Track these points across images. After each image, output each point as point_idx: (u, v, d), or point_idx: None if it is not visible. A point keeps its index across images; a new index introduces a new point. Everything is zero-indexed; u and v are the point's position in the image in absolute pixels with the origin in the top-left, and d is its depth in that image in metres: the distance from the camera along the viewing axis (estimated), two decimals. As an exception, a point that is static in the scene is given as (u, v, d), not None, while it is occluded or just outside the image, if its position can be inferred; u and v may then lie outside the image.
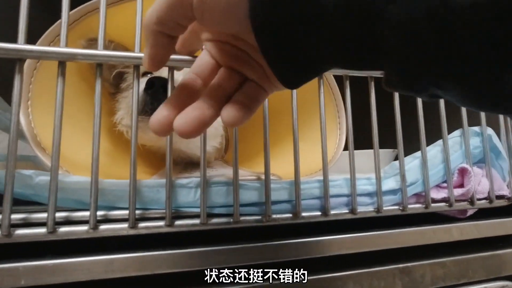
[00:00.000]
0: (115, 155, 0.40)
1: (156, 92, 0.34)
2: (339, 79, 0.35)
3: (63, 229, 0.25)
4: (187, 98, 0.21)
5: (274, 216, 0.29)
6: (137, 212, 0.27)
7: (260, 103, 0.22)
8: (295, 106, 0.31)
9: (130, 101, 0.36)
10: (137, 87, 0.27)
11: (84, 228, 0.25)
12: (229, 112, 0.19)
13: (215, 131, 0.43)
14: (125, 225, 0.26)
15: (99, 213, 0.27)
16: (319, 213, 0.31)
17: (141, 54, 0.27)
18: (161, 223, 0.27)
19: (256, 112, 0.22)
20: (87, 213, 0.25)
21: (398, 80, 0.17)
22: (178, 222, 0.27)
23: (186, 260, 0.27)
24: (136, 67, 0.27)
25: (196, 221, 0.28)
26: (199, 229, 0.28)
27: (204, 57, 0.23)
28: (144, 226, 0.27)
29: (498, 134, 0.39)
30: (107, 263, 0.26)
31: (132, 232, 0.26)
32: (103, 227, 0.26)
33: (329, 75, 0.40)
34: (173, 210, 0.28)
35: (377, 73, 0.33)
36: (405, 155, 0.36)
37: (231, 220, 0.28)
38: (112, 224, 0.26)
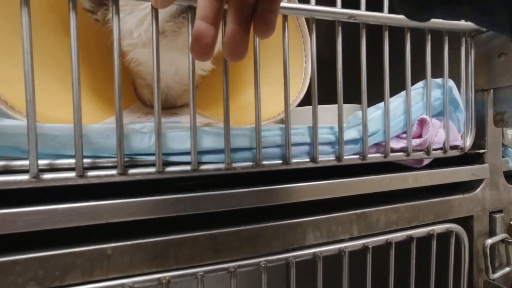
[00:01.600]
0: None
1: None
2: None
3: (1, 178, 0.23)
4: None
5: (234, 164, 0.29)
6: (87, 160, 0.26)
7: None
8: (257, 47, 0.29)
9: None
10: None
11: (24, 177, 0.23)
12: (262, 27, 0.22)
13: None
14: (72, 174, 0.24)
15: (44, 162, 0.25)
16: (280, 161, 0.30)
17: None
18: (114, 171, 0.25)
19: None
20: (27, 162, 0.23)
21: None
22: (132, 171, 0.26)
23: (142, 209, 0.26)
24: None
25: (152, 169, 0.26)
26: (154, 177, 0.27)
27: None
28: (95, 175, 0.25)
29: (459, 87, 0.39)
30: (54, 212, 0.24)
31: (81, 181, 0.25)
32: (47, 176, 0.24)
33: (301, 17, 0.38)
34: (127, 158, 0.26)
35: (345, 17, 0.32)
36: (370, 105, 0.36)
37: (189, 168, 0.27)
38: (57, 173, 0.24)
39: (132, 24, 0.34)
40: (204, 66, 0.42)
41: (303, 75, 0.39)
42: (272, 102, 0.38)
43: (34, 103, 0.23)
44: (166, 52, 0.35)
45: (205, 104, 0.49)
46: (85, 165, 0.25)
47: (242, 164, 0.29)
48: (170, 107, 0.50)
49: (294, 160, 0.31)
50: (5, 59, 0.30)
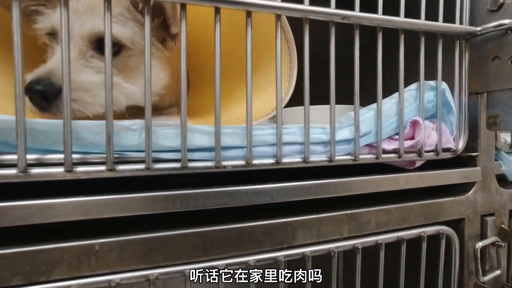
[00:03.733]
0: None
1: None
2: (297, 22, 0.33)
3: (-11, 172, 0.23)
4: None
5: (224, 163, 0.29)
6: (77, 156, 0.26)
7: None
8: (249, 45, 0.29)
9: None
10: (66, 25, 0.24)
11: (12, 171, 0.23)
12: None
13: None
14: (61, 169, 0.24)
15: (33, 156, 0.25)
16: (271, 160, 0.30)
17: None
18: (103, 167, 0.25)
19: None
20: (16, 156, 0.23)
21: None
22: (121, 167, 0.26)
23: (132, 205, 0.26)
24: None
25: (141, 166, 0.26)
26: (143, 174, 0.27)
27: None
28: (83, 170, 0.25)
29: (452, 90, 0.40)
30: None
31: (70, 176, 0.25)
32: (35, 170, 0.24)
33: (283, 17, 0.37)
34: (117, 154, 0.26)
35: (338, 18, 0.32)
36: (364, 106, 0.36)
37: (179, 165, 0.27)
38: (46, 168, 0.24)
39: None
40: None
41: (288, 77, 0.39)
42: (258, 101, 0.37)
43: (23, 97, 0.23)
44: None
45: (194, 114, 0.48)
46: (74, 161, 0.25)
47: (232, 162, 0.29)
48: (160, 108, 0.50)
49: (285, 160, 0.31)
50: None
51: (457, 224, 0.41)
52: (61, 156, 0.25)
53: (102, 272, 0.26)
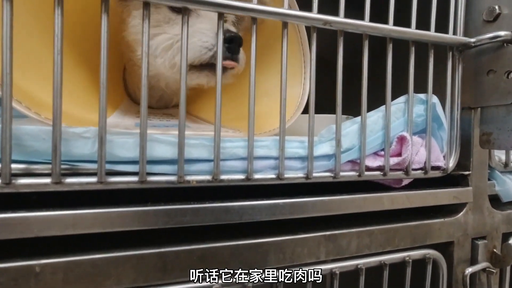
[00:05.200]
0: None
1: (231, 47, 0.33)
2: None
3: None
4: None
5: (188, 177, 0.26)
6: (19, 166, 0.23)
7: None
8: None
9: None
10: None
11: None
12: None
13: None
14: (-2, 181, 0.22)
15: (-32, 165, 0.22)
16: (241, 176, 0.28)
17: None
18: (48, 180, 0.23)
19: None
20: None
21: None
22: (69, 180, 0.23)
23: (80, 222, 0.24)
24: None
25: (93, 179, 0.24)
26: (95, 188, 0.24)
27: None
28: (25, 183, 0.22)
29: (444, 104, 0.37)
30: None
31: (8, 189, 0.22)
32: (-31, 181, 0.21)
33: (301, 26, 0.36)
34: (66, 165, 0.24)
35: (320, 23, 0.29)
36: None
37: (136, 179, 0.25)
38: (-18, 179, 0.22)
39: None
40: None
41: (301, 88, 0.37)
42: (272, 113, 0.36)
43: None
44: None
45: (206, 108, 0.46)
46: (15, 172, 0.22)
47: (198, 177, 0.27)
48: (165, 106, 0.48)
49: (257, 176, 0.28)
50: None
51: (445, 248, 0.38)
52: None
53: (43, 297, 0.23)
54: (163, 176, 0.26)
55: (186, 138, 0.26)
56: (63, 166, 0.23)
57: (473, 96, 0.39)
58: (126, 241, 0.26)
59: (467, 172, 0.39)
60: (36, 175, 0.23)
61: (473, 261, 0.39)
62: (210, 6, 0.26)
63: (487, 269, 0.39)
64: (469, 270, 0.38)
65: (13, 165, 0.22)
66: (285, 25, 0.29)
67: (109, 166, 0.24)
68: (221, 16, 0.27)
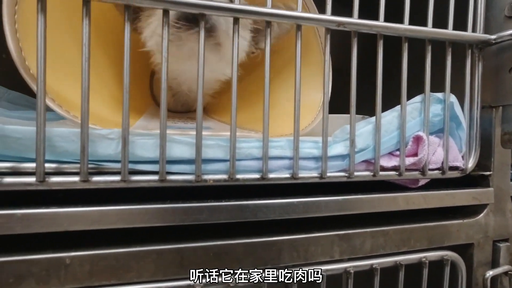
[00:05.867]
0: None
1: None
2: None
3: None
4: None
5: (205, 176, 0.27)
6: (51, 165, 0.25)
7: None
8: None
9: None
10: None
11: (-18, 180, 0.23)
12: None
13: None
14: (33, 179, 0.24)
15: (5, 165, 0.24)
16: (256, 175, 0.29)
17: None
18: (76, 178, 0.25)
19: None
20: (-13, 164, 0.23)
21: None
22: (95, 178, 0.25)
23: (105, 218, 0.25)
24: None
25: (116, 177, 0.25)
26: (119, 186, 0.25)
27: None
28: (57, 181, 0.24)
29: (463, 103, 0.36)
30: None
31: (42, 187, 0.24)
32: (8, 180, 0.23)
33: (322, 31, 0.36)
34: (92, 164, 0.26)
35: (334, 25, 0.30)
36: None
37: (157, 178, 0.26)
38: (18, 177, 0.24)
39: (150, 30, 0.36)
40: (227, 72, 0.41)
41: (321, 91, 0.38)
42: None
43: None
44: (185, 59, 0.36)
45: (226, 110, 0.48)
46: (48, 170, 0.24)
47: (215, 176, 0.28)
48: (187, 110, 0.50)
49: (271, 175, 0.29)
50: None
51: (465, 250, 0.37)
52: (33, 164, 0.24)
53: (72, 286, 0.25)
54: (182, 175, 0.27)
55: (204, 139, 0.27)
56: (89, 166, 0.25)
57: (494, 95, 0.38)
58: (146, 236, 0.27)
59: (487, 173, 0.38)
60: (66, 174, 0.25)
61: (494, 264, 0.38)
62: (226, 11, 0.27)
63: (510, 272, 0.37)
64: (490, 273, 0.37)
65: (46, 164, 0.24)
66: (298, 27, 0.29)
67: (131, 166, 0.26)
68: (236, 21, 0.28)
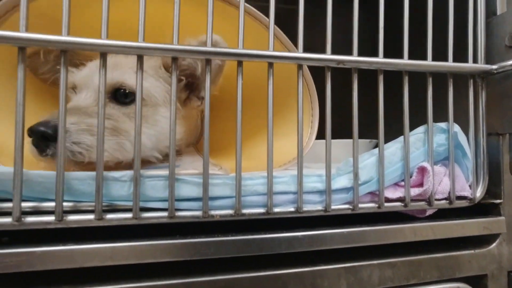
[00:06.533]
0: None
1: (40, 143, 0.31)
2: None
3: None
4: None
5: (212, 212, 0.28)
6: (69, 204, 0.27)
7: None
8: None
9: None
10: (64, 76, 0.26)
11: (7, 220, 0.25)
12: None
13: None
14: (52, 217, 0.25)
15: (28, 204, 0.26)
16: (261, 210, 0.29)
17: (69, 38, 0.25)
18: (91, 216, 0.26)
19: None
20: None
21: None
22: (109, 216, 0.27)
23: (117, 254, 0.27)
24: (64, 52, 0.26)
25: (128, 215, 0.27)
26: (130, 223, 0.27)
27: None
28: (74, 219, 0.26)
29: (467, 132, 0.36)
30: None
31: (60, 225, 0.26)
32: (29, 219, 0.25)
33: (305, 67, 0.38)
34: (106, 203, 0.27)
35: (334, 63, 0.31)
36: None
37: (166, 214, 0.27)
38: (39, 216, 0.26)
39: None
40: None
41: (310, 121, 0.39)
42: (282, 149, 0.38)
43: (22, 150, 0.25)
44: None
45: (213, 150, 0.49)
46: (66, 209, 0.26)
47: (221, 212, 0.29)
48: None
49: (276, 210, 0.30)
50: None
51: (478, 281, 0.36)
52: (53, 204, 0.26)
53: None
54: (190, 211, 0.28)
55: (210, 178, 0.28)
56: (103, 203, 0.27)
57: (500, 122, 0.38)
58: (156, 269, 0.28)
59: (498, 201, 0.38)
60: (81, 212, 0.27)
61: (510, 296, 0.37)
62: (230, 56, 0.29)
63: (527, 305, 0.36)
64: (506, 306, 0.36)
65: (64, 203, 0.26)
66: (300, 67, 0.31)
67: (142, 204, 0.27)
68: (240, 64, 0.29)
